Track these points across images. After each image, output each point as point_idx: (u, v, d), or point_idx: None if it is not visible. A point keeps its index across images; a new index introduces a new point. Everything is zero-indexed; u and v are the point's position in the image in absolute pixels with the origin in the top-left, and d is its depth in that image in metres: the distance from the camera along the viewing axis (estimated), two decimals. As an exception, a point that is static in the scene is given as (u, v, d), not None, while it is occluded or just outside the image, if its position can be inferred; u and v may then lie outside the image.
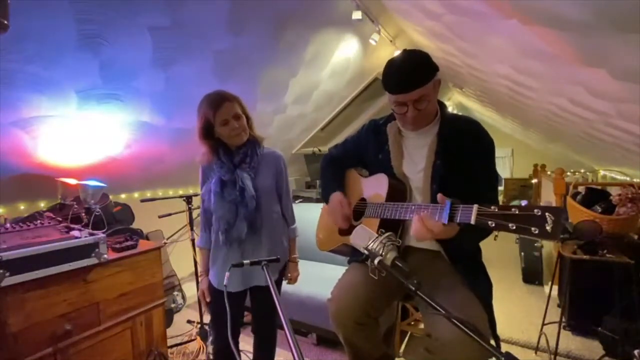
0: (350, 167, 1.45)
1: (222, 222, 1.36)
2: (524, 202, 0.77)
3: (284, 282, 1.56)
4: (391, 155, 1.24)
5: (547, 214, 0.71)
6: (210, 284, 1.45)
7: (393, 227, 1.13)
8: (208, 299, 1.46)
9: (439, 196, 0.92)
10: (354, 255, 1.37)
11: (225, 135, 1.35)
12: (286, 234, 1.52)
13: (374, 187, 1.26)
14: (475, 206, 0.83)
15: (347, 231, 1.29)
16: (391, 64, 1.11)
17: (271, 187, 1.44)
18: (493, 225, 0.78)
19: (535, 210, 0.73)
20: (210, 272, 1.46)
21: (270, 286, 0.93)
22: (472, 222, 0.82)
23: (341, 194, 1.33)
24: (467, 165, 1.11)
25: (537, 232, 0.71)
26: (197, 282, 2.24)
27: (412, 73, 1.05)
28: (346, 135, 2.08)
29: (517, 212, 0.75)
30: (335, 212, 1.31)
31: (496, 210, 0.79)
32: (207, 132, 1.35)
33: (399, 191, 1.19)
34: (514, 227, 0.75)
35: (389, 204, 1.14)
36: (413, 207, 1.04)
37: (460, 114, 1.26)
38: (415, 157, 1.21)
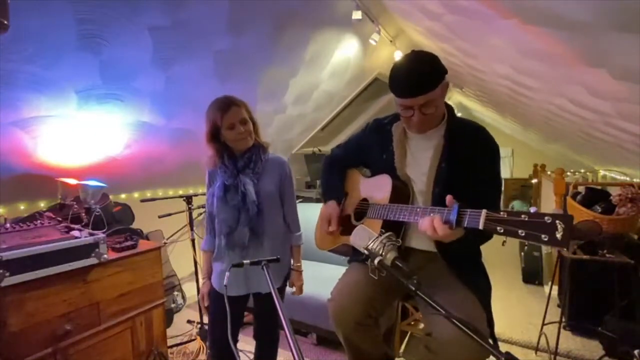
0: (353, 166, 1.44)
1: (224, 226, 1.35)
2: (533, 209, 0.76)
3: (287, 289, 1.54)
4: (395, 156, 1.22)
5: (557, 221, 0.70)
6: (212, 287, 1.44)
7: (395, 228, 1.12)
8: (206, 304, 1.45)
9: (448, 198, 0.90)
10: (354, 255, 1.37)
11: (231, 139, 1.35)
12: (289, 241, 1.50)
13: (377, 187, 1.25)
14: (484, 211, 0.82)
15: (347, 231, 1.29)
16: (398, 66, 1.08)
17: (274, 192, 1.42)
18: (502, 231, 0.77)
19: (546, 218, 0.71)
20: (212, 275, 1.46)
21: (271, 287, 0.92)
22: (481, 227, 0.81)
23: (335, 205, 1.35)
24: (472, 171, 1.10)
25: (547, 239, 0.71)
26: (197, 282, 2.25)
27: (419, 77, 1.02)
28: (346, 135, 2.08)
29: (526, 219, 0.74)
30: (323, 221, 1.36)
31: (505, 215, 0.77)
32: (214, 136, 1.35)
33: (402, 193, 1.18)
34: (523, 234, 0.73)
35: (392, 205, 1.13)
36: (418, 209, 1.03)
37: (467, 118, 1.24)
38: (420, 159, 1.20)
